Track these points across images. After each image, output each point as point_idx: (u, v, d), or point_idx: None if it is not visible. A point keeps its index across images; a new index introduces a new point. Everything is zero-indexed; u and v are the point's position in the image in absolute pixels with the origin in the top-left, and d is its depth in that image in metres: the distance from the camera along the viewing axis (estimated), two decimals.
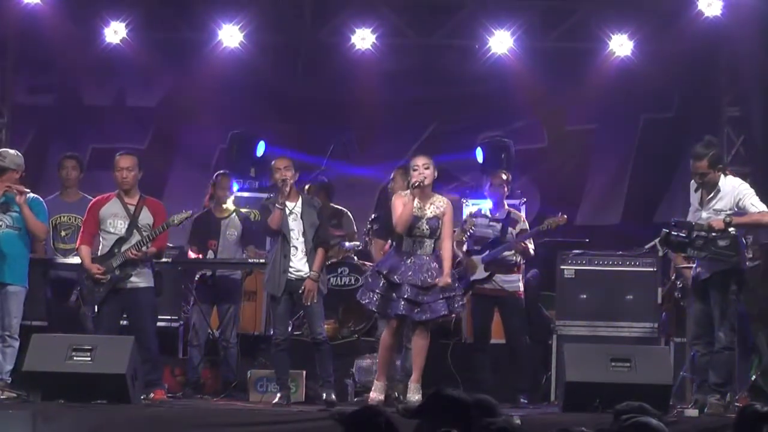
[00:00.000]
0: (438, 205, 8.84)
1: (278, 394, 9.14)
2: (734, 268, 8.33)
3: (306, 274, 9.00)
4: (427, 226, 8.76)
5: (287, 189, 9.03)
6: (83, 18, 12.30)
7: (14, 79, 12.71)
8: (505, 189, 10.23)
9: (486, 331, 10.08)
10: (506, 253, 9.99)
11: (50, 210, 9.73)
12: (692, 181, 8.60)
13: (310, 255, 9.04)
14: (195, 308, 10.21)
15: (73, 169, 10.41)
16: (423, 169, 8.81)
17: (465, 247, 10.03)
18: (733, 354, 8.41)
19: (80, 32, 12.33)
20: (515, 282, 10.06)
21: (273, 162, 9.37)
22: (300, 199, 9.20)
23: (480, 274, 9.98)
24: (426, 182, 8.79)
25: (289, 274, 9.01)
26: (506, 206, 10.23)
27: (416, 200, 8.77)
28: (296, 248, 9.04)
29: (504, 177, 10.24)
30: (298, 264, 9.03)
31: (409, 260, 8.72)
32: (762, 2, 11.57)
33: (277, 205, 9.01)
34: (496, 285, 9.99)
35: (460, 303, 8.96)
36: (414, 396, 8.66)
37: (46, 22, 12.11)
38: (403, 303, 8.63)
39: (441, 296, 8.68)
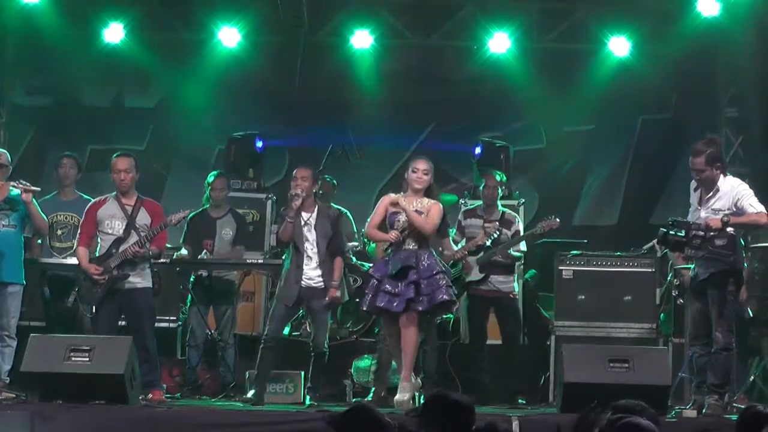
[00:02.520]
0: (425, 204, 8.80)
1: (251, 391, 9.16)
2: (732, 268, 8.33)
3: (317, 282, 9.09)
4: (405, 219, 8.75)
5: (297, 203, 9.08)
6: (82, 18, 12.31)
7: (13, 80, 12.71)
8: (498, 190, 10.22)
9: (482, 332, 10.11)
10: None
11: (47, 209, 9.74)
12: (692, 180, 8.61)
13: (323, 264, 9.12)
14: (192, 309, 10.21)
15: (72, 168, 10.44)
16: (422, 174, 8.79)
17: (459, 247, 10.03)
18: (731, 355, 8.41)
19: (79, 32, 12.34)
20: (510, 283, 10.10)
21: (295, 170, 9.37)
22: (316, 209, 9.24)
23: (475, 275, 10.00)
24: (417, 186, 8.77)
25: (302, 283, 9.10)
26: (500, 207, 10.22)
27: (404, 198, 8.82)
28: (310, 258, 9.12)
29: (498, 178, 10.25)
30: (311, 273, 9.11)
31: (393, 256, 8.75)
32: (760, 2, 11.58)
33: (287, 218, 9.09)
34: (492, 286, 10.03)
35: (443, 295, 8.67)
36: (403, 396, 8.59)
37: (44, 22, 12.13)
38: (381, 295, 8.67)
39: (413, 286, 8.60)
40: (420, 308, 8.66)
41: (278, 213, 9.63)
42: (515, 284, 10.13)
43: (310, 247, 9.12)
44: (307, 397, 9.22)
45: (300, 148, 12.70)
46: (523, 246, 10.17)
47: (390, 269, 8.70)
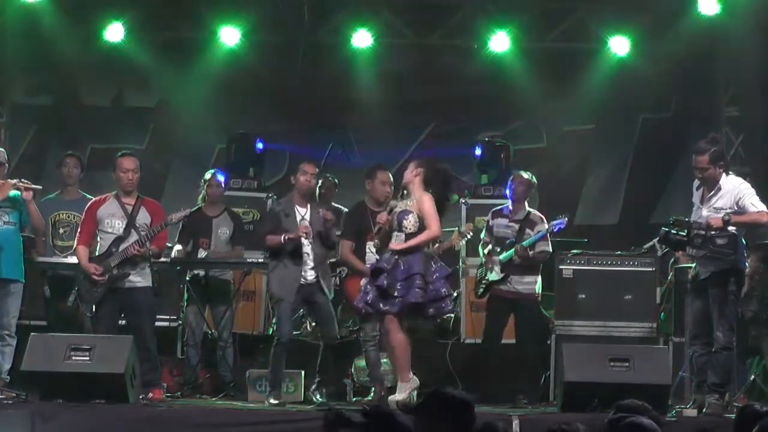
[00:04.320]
0: (414, 201, 8.69)
1: (272, 395, 9.16)
2: (733, 268, 8.33)
3: (314, 278, 9.19)
4: (395, 219, 8.68)
5: (304, 232, 9.13)
6: (82, 17, 12.31)
7: (13, 79, 12.71)
8: (524, 189, 10.01)
9: (497, 335, 9.90)
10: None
11: (50, 208, 9.74)
12: (695, 180, 8.61)
13: (317, 260, 9.20)
14: (190, 308, 10.18)
15: (75, 167, 10.45)
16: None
17: (488, 248, 9.97)
18: (732, 354, 8.42)
19: (79, 32, 12.34)
20: (531, 284, 9.86)
21: (301, 165, 9.41)
22: (309, 206, 9.31)
23: (497, 274, 9.91)
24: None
25: (301, 281, 9.16)
26: (527, 207, 10.10)
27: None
28: (308, 254, 9.18)
29: (526, 177, 10.10)
30: (309, 270, 9.19)
31: (383, 256, 8.72)
32: (760, 1, 11.58)
33: (285, 239, 9.08)
34: (511, 287, 9.84)
35: (413, 298, 8.34)
36: (397, 396, 8.43)
37: (45, 22, 12.13)
38: (362, 295, 8.62)
39: (376, 290, 8.45)
40: (393, 310, 8.36)
41: (270, 208, 9.63)
42: (537, 285, 9.89)
43: (307, 243, 9.16)
44: (317, 395, 9.32)
45: (300, 148, 12.68)
46: (548, 246, 9.99)
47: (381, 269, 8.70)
